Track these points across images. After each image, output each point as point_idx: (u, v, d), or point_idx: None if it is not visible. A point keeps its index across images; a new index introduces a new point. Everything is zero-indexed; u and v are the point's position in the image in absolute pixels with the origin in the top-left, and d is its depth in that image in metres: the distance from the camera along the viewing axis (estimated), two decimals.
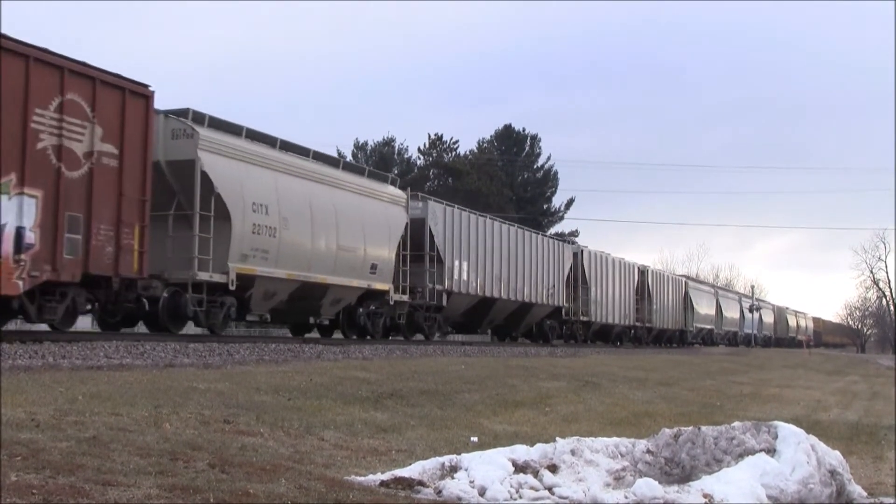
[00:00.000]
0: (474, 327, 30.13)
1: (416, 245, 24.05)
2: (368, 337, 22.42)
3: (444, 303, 25.10)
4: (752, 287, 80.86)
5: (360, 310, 21.79)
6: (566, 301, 33.93)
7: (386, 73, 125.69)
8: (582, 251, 36.16)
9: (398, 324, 23.86)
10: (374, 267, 21.54)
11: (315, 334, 23.06)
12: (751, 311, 70.27)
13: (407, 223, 23.33)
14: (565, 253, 34.35)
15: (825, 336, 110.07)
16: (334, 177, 20.72)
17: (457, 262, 25.56)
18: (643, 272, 43.07)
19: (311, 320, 22.00)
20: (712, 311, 56.87)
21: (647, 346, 42.02)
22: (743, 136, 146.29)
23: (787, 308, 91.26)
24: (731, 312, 63.48)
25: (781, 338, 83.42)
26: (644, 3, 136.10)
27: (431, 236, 24.44)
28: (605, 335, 39.61)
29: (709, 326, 55.60)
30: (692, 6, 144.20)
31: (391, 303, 22.52)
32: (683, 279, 52.09)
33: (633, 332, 42.26)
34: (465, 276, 25.92)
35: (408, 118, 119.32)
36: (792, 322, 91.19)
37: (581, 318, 35.39)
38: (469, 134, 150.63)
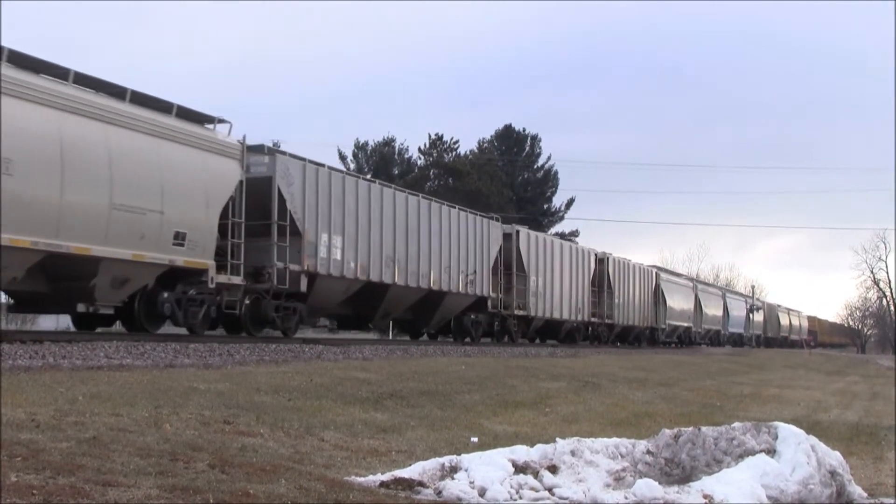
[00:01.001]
0: (365, 321, 24.34)
1: (261, 212, 18.43)
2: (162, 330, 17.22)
3: (304, 288, 19.42)
4: (753, 287, 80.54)
5: (165, 294, 16.16)
6: (493, 290, 28.11)
7: (386, 73, 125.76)
8: (517, 232, 29.99)
9: (234, 315, 18.36)
10: (180, 236, 15.99)
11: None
12: (751, 311, 69.79)
13: (241, 181, 17.64)
14: (492, 233, 28.21)
15: (821, 336, 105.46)
16: (112, 109, 14.92)
17: (325, 237, 19.88)
18: (602, 260, 37.47)
19: (85, 308, 16.33)
20: (690, 307, 50.93)
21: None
22: (744, 137, 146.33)
23: (778, 306, 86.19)
24: (713, 309, 57.70)
25: (772, 338, 78.17)
26: (645, 4, 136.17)
27: (282, 200, 18.70)
28: (553, 332, 34.36)
29: (686, 324, 49.80)
30: (692, 7, 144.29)
31: (211, 285, 16.79)
32: (654, 270, 45.78)
33: (589, 329, 36.87)
34: (337, 255, 20.33)
35: (408, 118, 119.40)
36: (784, 321, 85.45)
37: (516, 311, 29.68)
38: (469, 134, 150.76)
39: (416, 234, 23.78)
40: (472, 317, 27.86)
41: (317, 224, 19.74)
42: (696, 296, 52.51)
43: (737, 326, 64.54)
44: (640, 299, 42.02)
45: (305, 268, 19.38)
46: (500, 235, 28.85)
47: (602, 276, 37.23)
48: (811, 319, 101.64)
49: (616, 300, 38.45)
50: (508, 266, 29.31)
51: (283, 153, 19.37)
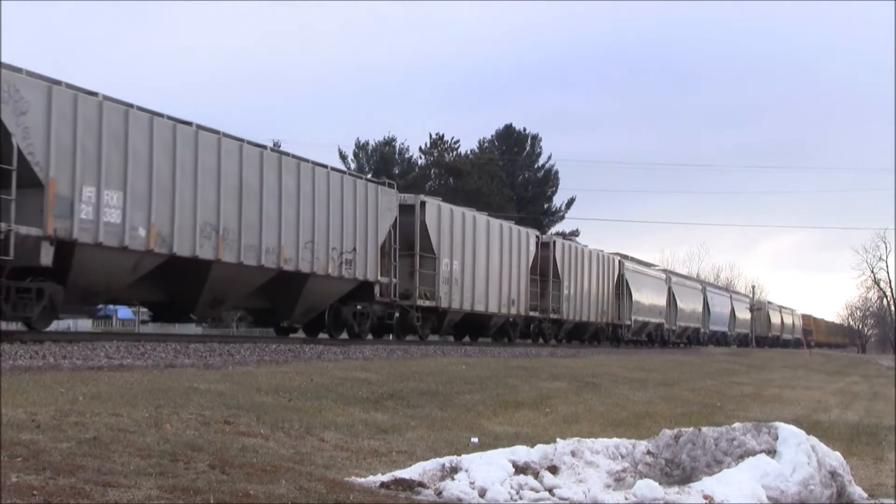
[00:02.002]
0: (185, 310, 18.34)
1: None
2: None
3: (46, 260, 13.87)
4: (753, 287, 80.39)
5: None
6: (383, 275, 22.27)
7: (388, 73, 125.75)
8: (423, 203, 24.30)
9: None
10: None
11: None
12: (751, 310, 69.50)
13: None
14: (382, 202, 22.28)
15: (818, 335, 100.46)
16: None
17: (90, 191, 14.38)
18: (546, 245, 32.29)
19: None
20: (662, 302, 45.01)
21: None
22: (744, 137, 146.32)
23: (769, 303, 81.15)
24: (691, 304, 51.03)
25: (762, 336, 72.01)
26: (647, 6, 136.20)
27: (6, 135, 13.22)
28: (478, 327, 28.95)
29: (656, 320, 44.05)
30: (693, 9, 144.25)
31: None
32: (616, 258, 39.59)
33: (530, 325, 31.75)
34: (113, 217, 14.81)
35: (409, 118, 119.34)
36: (775, 319, 79.06)
37: (421, 301, 23.96)
38: (470, 134, 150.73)
39: (258, 197, 17.98)
40: (359, 308, 22.27)
41: (74, 172, 14.23)
42: (670, 289, 47.00)
43: (719, 324, 59.23)
44: (599, 291, 36.63)
45: (50, 232, 13.86)
46: (394, 206, 22.94)
47: (546, 263, 31.90)
48: (806, 318, 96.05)
49: (565, 292, 33.01)
50: (410, 245, 23.80)
51: (17, 70, 13.63)
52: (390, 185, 23.40)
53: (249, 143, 18.09)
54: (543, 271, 31.72)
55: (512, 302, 29.07)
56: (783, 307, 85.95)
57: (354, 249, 21.06)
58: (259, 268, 18.11)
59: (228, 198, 17.20)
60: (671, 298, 46.98)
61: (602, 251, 38.61)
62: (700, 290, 55.35)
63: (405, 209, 23.64)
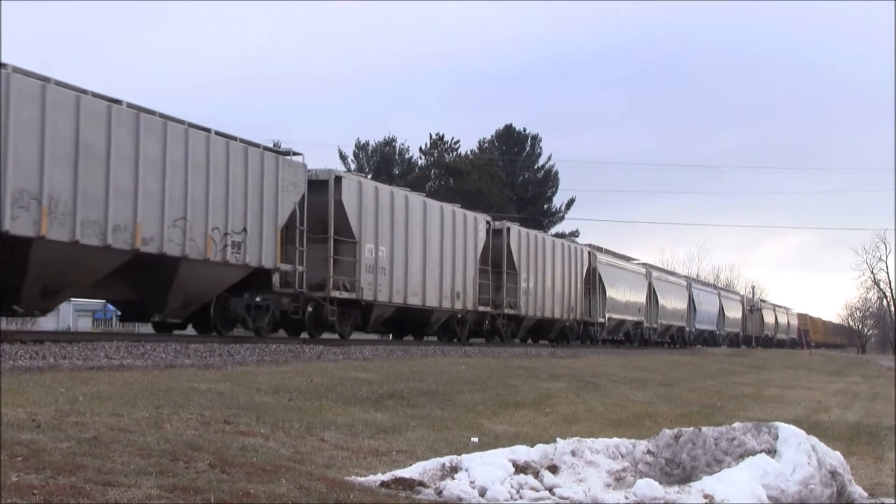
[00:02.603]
0: (8, 301, 14.17)
1: None
2: None
3: None
4: (753, 287, 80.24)
5: None
6: (285, 261, 18.80)
7: (388, 74, 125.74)
8: (338, 179, 20.66)
9: None
10: None
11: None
12: (752, 311, 69.35)
13: None
14: (284, 175, 18.71)
15: (816, 335, 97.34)
16: None
17: None
18: (499, 232, 28.49)
19: None
20: (641, 299, 41.77)
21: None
22: (744, 138, 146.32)
23: (762, 301, 78.52)
24: (674, 302, 47.48)
25: (754, 336, 69.36)
26: (648, 6, 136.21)
27: None
28: (418, 324, 25.16)
29: (635, 318, 41.00)
30: (694, 10, 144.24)
31: None
32: (586, 250, 36.27)
33: (486, 321, 28.20)
34: None
35: (409, 118, 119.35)
36: (769, 318, 75.86)
37: (338, 293, 20.45)
38: (470, 134, 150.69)
39: (104, 162, 14.57)
40: (258, 299, 18.94)
41: None
42: (651, 284, 43.42)
43: (706, 323, 55.24)
44: (565, 285, 33.04)
45: None
46: (300, 181, 19.34)
47: (500, 252, 28.29)
48: (802, 317, 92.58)
49: (523, 285, 29.44)
50: (323, 228, 20.42)
51: None
52: (294, 155, 19.48)
53: (95, 94, 14.60)
54: (497, 262, 28.13)
55: (457, 295, 25.35)
56: (777, 306, 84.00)
57: (245, 230, 17.63)
58: (105, 249, 14.58)
59: (58, 161, 13.75)
60: (652, 295, 43.61)
61: (571, 242, 35.40)
62: (685, 286, 51.58)
63: (316, 186, 20.10)
